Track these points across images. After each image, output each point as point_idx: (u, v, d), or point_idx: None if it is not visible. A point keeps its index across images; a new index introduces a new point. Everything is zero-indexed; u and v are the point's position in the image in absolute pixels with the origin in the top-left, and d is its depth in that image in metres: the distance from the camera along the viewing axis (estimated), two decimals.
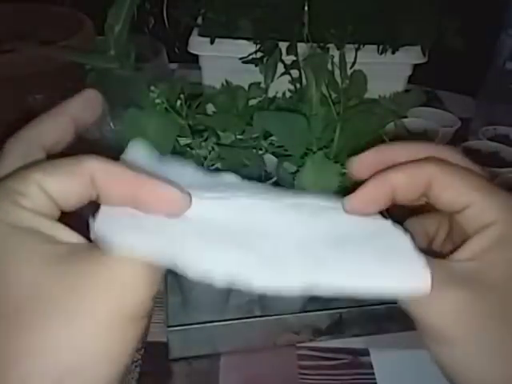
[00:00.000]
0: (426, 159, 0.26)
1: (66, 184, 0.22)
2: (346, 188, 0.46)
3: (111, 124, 0.54)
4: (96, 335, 0.19)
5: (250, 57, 0.66)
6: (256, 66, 0.65)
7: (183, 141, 0.48)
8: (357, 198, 0.26)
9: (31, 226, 0.21)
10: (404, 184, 0.25)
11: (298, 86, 0.63)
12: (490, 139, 0.70)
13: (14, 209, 0.21)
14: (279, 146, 0.54)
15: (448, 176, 0.25)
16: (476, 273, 0.23)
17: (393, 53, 0.67)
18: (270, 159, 0.56)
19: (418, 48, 0.67)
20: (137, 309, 0.21)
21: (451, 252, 0.25)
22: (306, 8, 0.60)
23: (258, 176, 0.51)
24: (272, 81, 0.61)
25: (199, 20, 0.71)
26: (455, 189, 0.25)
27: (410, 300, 0.23)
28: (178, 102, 0.46)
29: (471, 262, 0.24)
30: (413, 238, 0.25)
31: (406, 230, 0.26)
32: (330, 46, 0.64)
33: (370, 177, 0.26)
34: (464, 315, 0.23)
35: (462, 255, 0.24)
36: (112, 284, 0.20)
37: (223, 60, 0.67)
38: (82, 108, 0.28)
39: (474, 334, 0.23)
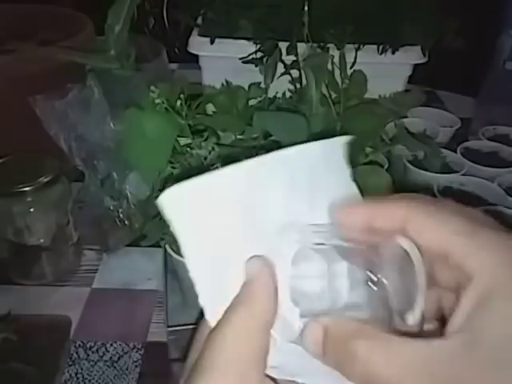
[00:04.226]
0: (407, 195, 0.24)
1: None
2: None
3: (111, 124, 0.54)
4: None
5: (250, 57, 0.66)
6: (256, 66, 0.65)
7: (183, 141, 0.48)
8: (343, 208, 0.26)
9: None
10: (381, 214, 0.24)
11: (297, 85, 0.63)
12: (490, 139, 0.70)
13: None
14: (280, 146, 0.53)
15: (424, 214, 0.23)
16: (462, 354, 0.19)
17: (393, 53, 0.67)
18: None
19: (417, 48, 0.67)
20: None
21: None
22: (306, 8, 0.60)
23: None
24: (272, 81, 0.60)
25: (199, 20, 0.71)
26: (432, 229, 0.22)
27: None
28: (178, 102, 0.46)
29: (455, 339, 0.20)
30: None
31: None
32: (329, 45, 0.64)
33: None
34: None
35: (450, 327, 0.21)
36: None
37: (223, 60, 0.67)
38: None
39: None
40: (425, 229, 0.22)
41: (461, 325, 0.20)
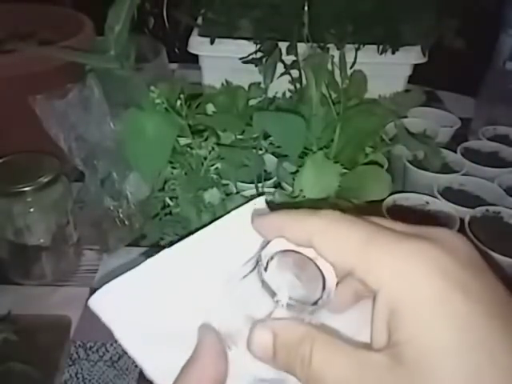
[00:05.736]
0: (317, 213, 0.25)
1: None
2: (346, 189, 0.47)
3: (111, 124, 0.54)
4: None
5: (250, 57, 0.66)
6: (256, 66, 0.65)
7: (183, 141, 0.48)
8: (257, 220, 0.27)
9: None
10: (291, 231, 0.25)
11: (298, 85, 0.63)
12: (490, 139, 0.70)
13: None
14: (279, 146, 0.54)
15: (323, 234, 0.24)
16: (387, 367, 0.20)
17: (393, 53, 0.67)
18: (270, 159, 0.56)
19: (418, 48, 0.67)
20: None
21: None
22: (306, 8, 0.60)
23: (258, 176, 0.51)
24: (272, 81, 0.61)
25: (199, 20, 0.71)
26: (330, 250, 0.23)
27: None
28: (178, 102, 0.46)
29: (381, 355, 0.21)
30: None
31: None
32: (329, 46, 0.64)
33: None
34: None
35: (374, 344, 0.22)
36: None
37: (223, 60, 0.67)
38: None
39: None
40: (324, 249, 0.24)
41: (381, 342, 0.21)
